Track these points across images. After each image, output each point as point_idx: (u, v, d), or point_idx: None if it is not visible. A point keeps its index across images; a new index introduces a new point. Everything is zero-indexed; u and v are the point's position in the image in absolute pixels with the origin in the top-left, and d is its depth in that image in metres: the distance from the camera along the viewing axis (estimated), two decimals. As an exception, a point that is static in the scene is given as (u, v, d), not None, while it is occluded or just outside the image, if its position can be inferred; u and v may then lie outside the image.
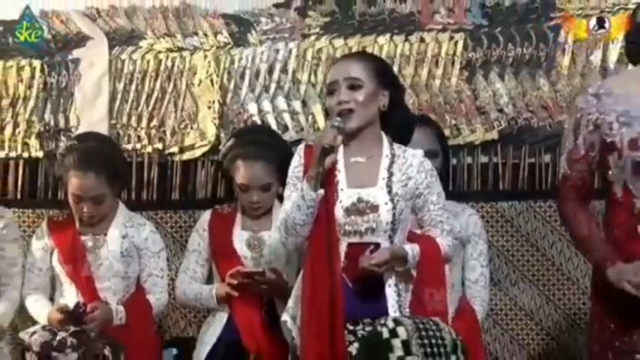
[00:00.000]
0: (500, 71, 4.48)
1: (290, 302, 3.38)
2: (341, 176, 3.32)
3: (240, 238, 4.08)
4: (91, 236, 4.08)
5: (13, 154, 4.64)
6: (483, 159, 4.46)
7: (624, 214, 3.11)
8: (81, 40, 4.65)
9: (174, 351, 4.18)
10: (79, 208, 4.03)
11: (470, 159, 4.41)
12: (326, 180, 3.23)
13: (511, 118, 4.44)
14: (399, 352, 2.87)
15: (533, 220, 4.40)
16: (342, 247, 3.26)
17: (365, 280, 3.22)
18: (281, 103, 4.56)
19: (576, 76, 4.43)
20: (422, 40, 4.52)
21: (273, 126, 4.52)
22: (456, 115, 4.39)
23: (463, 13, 4.51)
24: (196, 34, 4.62)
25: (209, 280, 4.12)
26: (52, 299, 4.11)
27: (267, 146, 4.09)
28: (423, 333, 2.96)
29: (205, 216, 4.17)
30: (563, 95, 4.40)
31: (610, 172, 3.17)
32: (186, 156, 4.60)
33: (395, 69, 4.29)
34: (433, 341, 2.89)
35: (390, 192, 3.30)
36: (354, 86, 3.34)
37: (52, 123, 4.64)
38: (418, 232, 3.41)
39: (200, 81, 4.60)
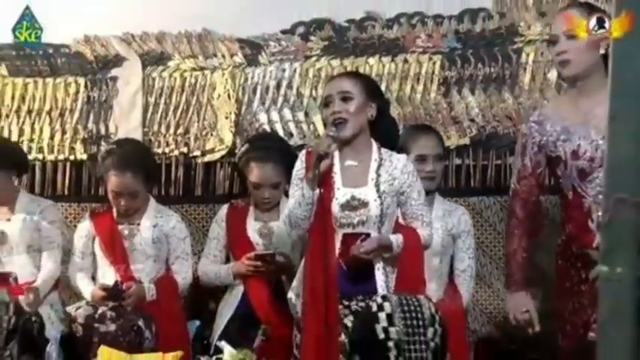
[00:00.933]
0: (471, 87, 4.47)
1: (294, 282, 3.42)
2: (337, 177, 3.35)
3: (253, 228, 4.11)
4: (126, 226, 4.10)
5: (61, 156, 4.64)
6: (457, 161, 4.45)
7: (577, 212, 3.19)
8: (118, 61, 4.65)
9: (197, 322, 4.12)
10: (117, 202, 4.06)
11: (446, 161, 4.45)
12: (324, 180, 3.25)
13: (481, 126, 4.43)
14: (383, 323, 2.88)
15: (499, 213, 4.34)
16: (338, 237, 3.29)
17: (357, 264, 3.25)
18: (287, 113, 4.55)
19: (536, 91, 4.42)
20: (406, 60, 4.50)
21: (281, 133, 4.51)
22: (435, 124, 4.30)
23: (440, 39, 4.49)
24: (215, 55, 4.60)
25: (226, 263, 4.13)
26: (93, 279, 4.11)
27: (275, 150, 4.12)
28: (405, 308, 2.98)
29: (223, 209, 4.19)
30: (525, 107, 4.36)
31: (560, 180, 3.25)
32: (207, 158, 4.59)
33: (382, 85, 4.33)
34: (414, 314, 2.91)
35: (378, 190, 3.33)
36: (345, 98, 3.36)
37: (94, 131, 4.63)
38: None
39: (219, 95, 4.59)
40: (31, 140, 4.64)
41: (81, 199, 4.60)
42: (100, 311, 3.85)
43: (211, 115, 4.61)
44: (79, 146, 4.65)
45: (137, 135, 4.56)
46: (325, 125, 3.49)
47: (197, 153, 4.61)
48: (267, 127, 4.56)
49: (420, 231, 3.39)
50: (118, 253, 4.09)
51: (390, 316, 2.85)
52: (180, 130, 4.61)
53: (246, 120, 4.59)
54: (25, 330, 3.76)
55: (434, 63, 4.51)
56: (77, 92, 4.67)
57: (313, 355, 3.18)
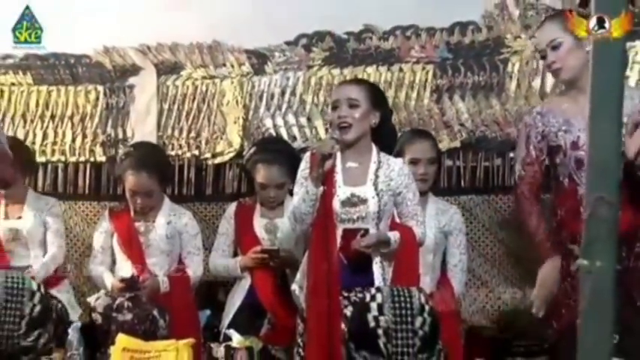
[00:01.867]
0: (461, 94, 4.44)
1: (298, 275, 3.41)
2: (338, 177, 3.34)
3: (259, 224, 4.10)
4: (142, 223, 4.11)
5: (82, 158, 4.65)
6: (448, 162, 4.42)
7: (570, 200, 3.19)
8: (135, 70, 4.65)
9: (208, 312, 4.15)
10: (133, 201, 4.07)
11: (439, 164, 4.42)
12: (326, 180, 3.25)
13: (470, 130, 4.41)
14: (374, 312, 2.81)
15: (487, 210, 4.37)
16: (339, 232, 3.27)
17: (357, 258, 3.25)
18: (291, 118, 4.55)
19: (521, 98, 4.39)
20: (401, 70, 4.49)
21: (285, 137, 4.51)
22: (427, 129, 4.31)
23: (433, 49, 4.48)
24: (225, 65, 4.60)
25: (234, 257, 4.11)
26: (112, 271, 4.12)
27: (281, 153, 4.12)
28: (396, 298, 2.88)
29: (232, 207, 4.19)
30: (511, 113, 4.35)
31: (558, 168, 3.27)
32: (217, 160, 4.58)
33: (380, 93, 4.37)
34: (403, 304, 2.82)
35: (376, 189, 3.32)
36: (352, 105, 3.35)
37: (112, 135, 4.64)
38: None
39: (228, 102, 4.59)
40: (54, 143, 4.66)
41: (100, 198, 4.60)
42: (117, 302, 3.86)
43: (221, 120, 4.61)
44: (98, 149, 4.66)
45: (152, 138, 4.56)
46: (330, 126, 3.50)
47: (208, 155, 4.61)
48: (272, 131, 4.56)
49: (415, 229, 3.38)
50: (134, 248, 4.09)
51: (380, 306, 2.82)
52: (192, 134, 4.61)
53: (253, 125, 4.59)
54: (57, 317, 3.73)
55: (427, 72, 4.50)
56: (97, 99, 4.68)
57: (315, 343, 3.18)
